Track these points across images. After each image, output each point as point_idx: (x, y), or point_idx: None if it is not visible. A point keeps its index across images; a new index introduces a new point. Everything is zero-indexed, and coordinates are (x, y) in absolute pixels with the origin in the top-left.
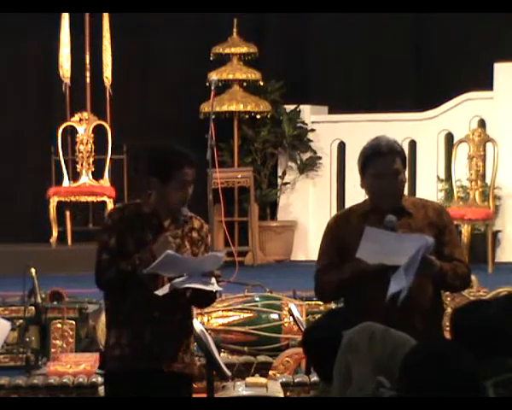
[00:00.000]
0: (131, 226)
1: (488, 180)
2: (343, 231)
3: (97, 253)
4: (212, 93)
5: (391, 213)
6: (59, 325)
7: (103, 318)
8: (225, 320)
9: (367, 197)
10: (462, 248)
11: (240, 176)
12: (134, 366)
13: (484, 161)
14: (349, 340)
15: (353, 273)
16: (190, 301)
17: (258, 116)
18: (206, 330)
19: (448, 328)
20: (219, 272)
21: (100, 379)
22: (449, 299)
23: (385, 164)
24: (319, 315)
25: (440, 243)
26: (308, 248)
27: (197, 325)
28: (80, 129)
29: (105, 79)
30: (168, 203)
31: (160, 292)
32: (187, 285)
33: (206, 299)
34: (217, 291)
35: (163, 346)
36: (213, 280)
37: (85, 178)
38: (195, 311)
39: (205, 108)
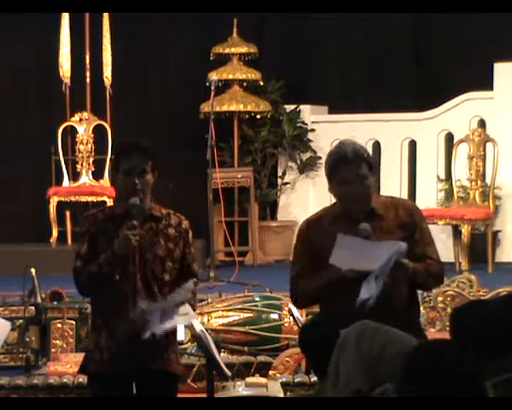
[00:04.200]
0: (105, 229)
1: (488, 180)
2: (315, 235)
3: (74, 261)
4: (212, 93)
5: (361, 215)
6: (59, 325)
7: None
8: (225, 320)
9: None
10: (435, 244)
11: (240, 176)
12: (113, 367)
13: (484, 161)
14: (341, 338)
15: (329, 280)
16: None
17: (258, 116)
18: (206, 330)
19: (448, 328)
20: (191, 296)
21: None
22: (449, 299)
23: (350, 171)
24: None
25: (412, 242)
26: None
27: (197, 325)
28: (80, 129)
29: (105, 79)
30: (123, 196)
31: (146, 335)
32: (167, 328)
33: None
34: (194, 295)
35: (141, 345)
36: (188, 308)
37: (85, 178)
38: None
39: (205, 108)
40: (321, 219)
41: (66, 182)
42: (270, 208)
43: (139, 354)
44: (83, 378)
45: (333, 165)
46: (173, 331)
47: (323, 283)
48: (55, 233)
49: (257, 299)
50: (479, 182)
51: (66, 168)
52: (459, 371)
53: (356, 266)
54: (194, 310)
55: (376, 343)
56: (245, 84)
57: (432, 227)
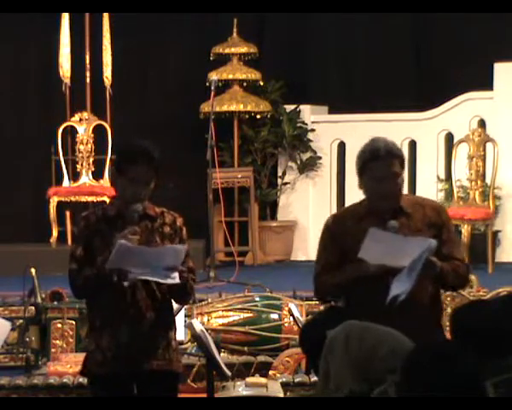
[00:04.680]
0: (99, 231)
1: (488, 180)
2: (342, 232)
3: (68, 263)
4: (212, 93)
5: (389, 213)
6: (59, 325)
7: None
8: (225, 320)
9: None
10: (461, 246)
11: (240, 176)
12: (115, 367)
13: (484, 161)
14: (329, 340)
15: (354, 276)
16: (167, 297)
17: (258, 116)
18: (206, 330)
19: (448, 328)
20: (183, 267)
21: None
22: (449, 299)
23: (384, 168)
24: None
25: (439, 242)
26: (308, 248)
27: (197, 325)
28: (80, 129)
29: (105, 79)
30: (122, 199)
31: (126, 283)
32: (143, 277)
33: (180, 295)
34: (192, 288)
35: (141, 345)
36: (175, 274)
37: (85, 178)
38: (195, 311)
39: (205, 108)
40: (348, 216)
41: (66, 182)
42: (270, 208)
43: (139, 354)
44: (83, 378)
45: (366, 162)
46: (173, 329)
47: (349, 277)
48: (55, 233)
49: (257, 299)
50: (479, 182)
51: (66, 168)
52: (459, 372)
53: (386, 261)
54: (182, 277)
55: (366, 343)
56: (245, 84)
57: None
